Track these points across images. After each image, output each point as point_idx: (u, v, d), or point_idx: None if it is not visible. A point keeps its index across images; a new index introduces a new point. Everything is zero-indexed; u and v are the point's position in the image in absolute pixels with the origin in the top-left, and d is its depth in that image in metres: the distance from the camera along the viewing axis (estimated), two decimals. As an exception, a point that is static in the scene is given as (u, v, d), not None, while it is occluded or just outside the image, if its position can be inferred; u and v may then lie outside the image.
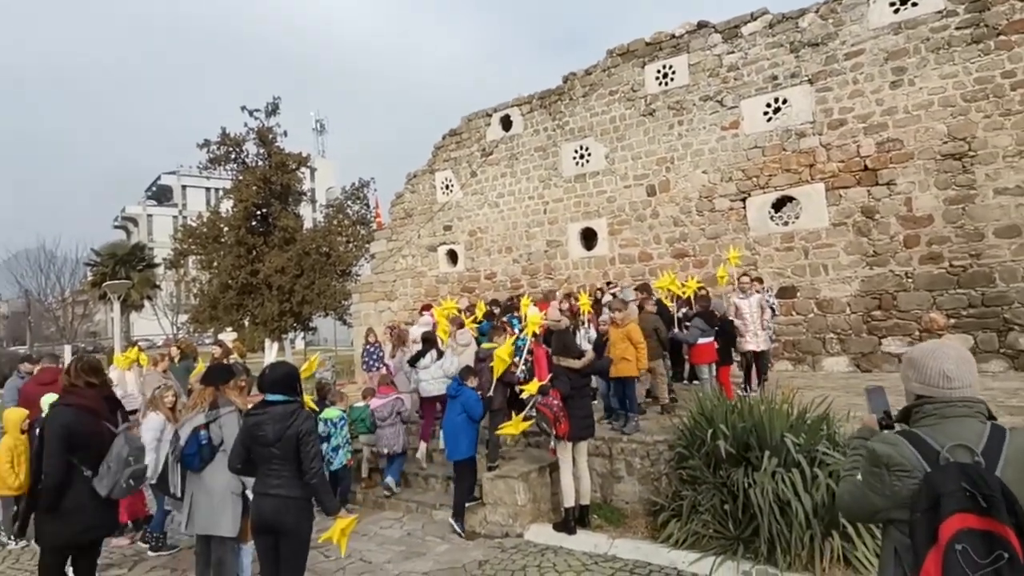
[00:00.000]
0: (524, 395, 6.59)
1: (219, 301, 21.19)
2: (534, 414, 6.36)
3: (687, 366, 8.98)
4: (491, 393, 6.65)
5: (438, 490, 7.12)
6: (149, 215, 65.27)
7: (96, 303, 36.98)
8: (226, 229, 21.59)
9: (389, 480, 7.12)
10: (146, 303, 31.24)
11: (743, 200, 11.72)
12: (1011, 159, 9.26)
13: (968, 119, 9.60)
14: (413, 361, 7.62)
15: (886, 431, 2.14)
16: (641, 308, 7.53)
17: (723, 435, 5.21)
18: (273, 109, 21.11)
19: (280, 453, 3.76)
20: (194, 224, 22.63)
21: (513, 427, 6.37)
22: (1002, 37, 9.20)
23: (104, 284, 22.65)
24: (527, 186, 14.68)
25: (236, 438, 4.03)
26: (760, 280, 9.58)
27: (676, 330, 7.69)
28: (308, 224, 24.41)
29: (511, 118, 15.02)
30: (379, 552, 5.73)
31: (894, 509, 1.96)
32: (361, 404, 7.43)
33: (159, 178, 68.06)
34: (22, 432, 5.97)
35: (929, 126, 9.93)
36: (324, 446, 6.47)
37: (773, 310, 8.98)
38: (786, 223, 11.41)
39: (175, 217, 61.79)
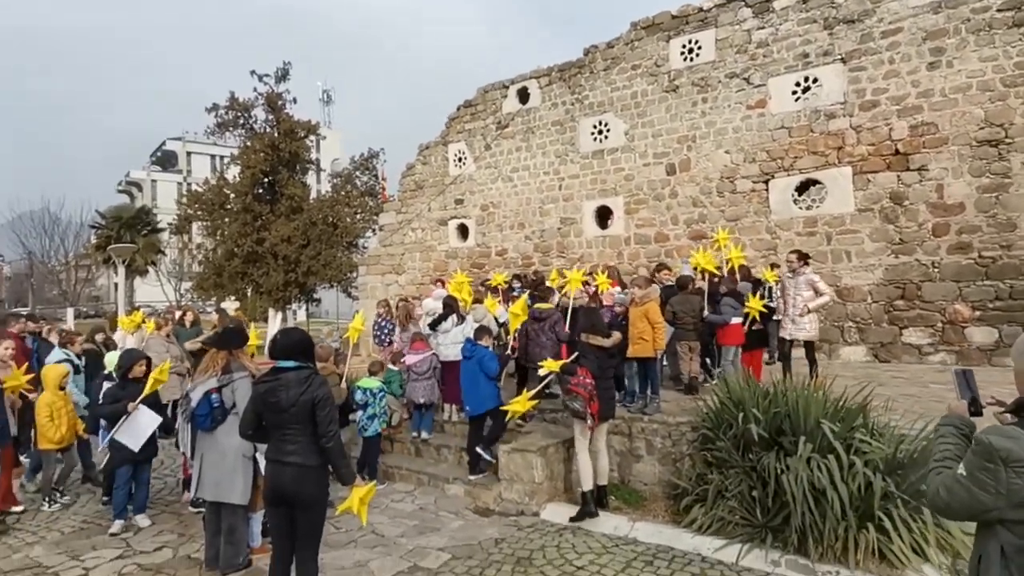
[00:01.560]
0: (542, 371, 6.38)
1: (224, 269, 20.98)
2: (557, 392, 6.17)
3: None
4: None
5: (451, 462, 6.95)
6: (153, 180, 64.78)
7: (100, 267, 36.80)
8: (232, 196, 21.30)
9: (424, 434, 7.31)
10: (150, 269, 31.01)
11: (766, 182, 11.40)
12: (1051, 147, 8.93)
13: (1007, 104, 9.25)
14: (434, 325, 7.44)
15: (1008, 426, 1.91)
16: (684, 287, 7.27)
17: (755, 419, 4.99)
18: (283, 75, 20.68)
19: (295, 419, 3.59)
20: (200, 190, 22.32)
21: (520, 404, 6.15)
22: (1049, 19, 8.82)
23: (109, 248, 22.38)
24: (543, 161, 14.34)
25: (247, 404, 3.85)
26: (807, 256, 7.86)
27: (707, 312, 7.38)
28: (314, 194, 24.08)
29: (529, 90, 14.63)
30: (391, 526, 5.57)
31: (1008, 509, 1.80)
32: (395, 368, 7.53)
33: (164, 143, 67.44)
34: (60, 388, 6.13)
35: (966, 110, 9.58)
36: (359, 414, 6.60)
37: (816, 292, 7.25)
38: (809, 207, 11.11)
39: (179, 183, 61.46)
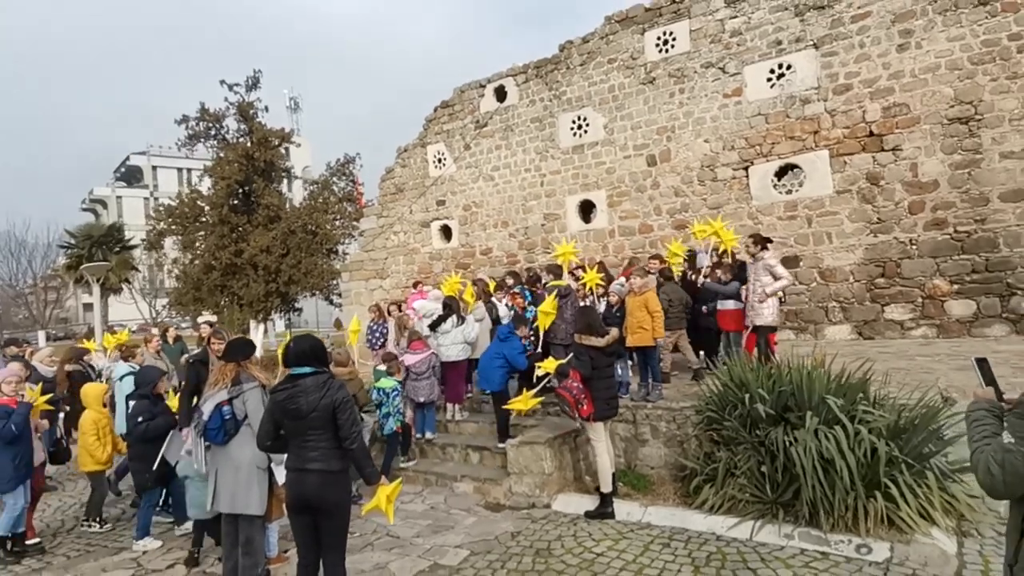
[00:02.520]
0: (539, 372, 6.44)
1: (203, 283, 20.64)
2: (552, 390, 6.22)
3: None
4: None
5: (456, 460, 6.97)
6: (119, 197, 63.33)
7: (69, 287, 35.89)
8: (207, 208, 20.97)
9: (428, 434, 7.31)
10: (124, 287, 30.36)
11: (745, 169, 11.60)
12: (1017, 122, 9.24)
13: (975, 82, 9.55)
14: (434, 326, 7.44)
15: None
16: (669, 278, 7.36)
17: (760, 398, 5.09)
18: (254, 83, 20.39)
19: (315, 424, 3.59)
20: (173, 203, 21.93)
21: (522, 403, 6.20)
22: (1011, -2, 9.12)
23: (82, 267, 21.88)
24: (523, 158, 14.39)
25: (264, 415, 3.83)
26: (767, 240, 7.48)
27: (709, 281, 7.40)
28: (290, 203, 23.81)
29: (506, 88, 14.66)
30: (405, 527, 5.56)
31: None
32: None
33: (128, 158, 65.99)
34: (104, 406, 6.16)
35: (936, 90, 9.86)
36: (377, 412, 6.70)
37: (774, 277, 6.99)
38: (789, 191, 11.33)
39: (146, 199, 60.24)
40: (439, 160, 15.89)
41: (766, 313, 6.80)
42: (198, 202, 21.18)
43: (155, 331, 11.09)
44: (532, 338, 7.45)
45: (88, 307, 47.94)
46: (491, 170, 14.93)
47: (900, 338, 10.15)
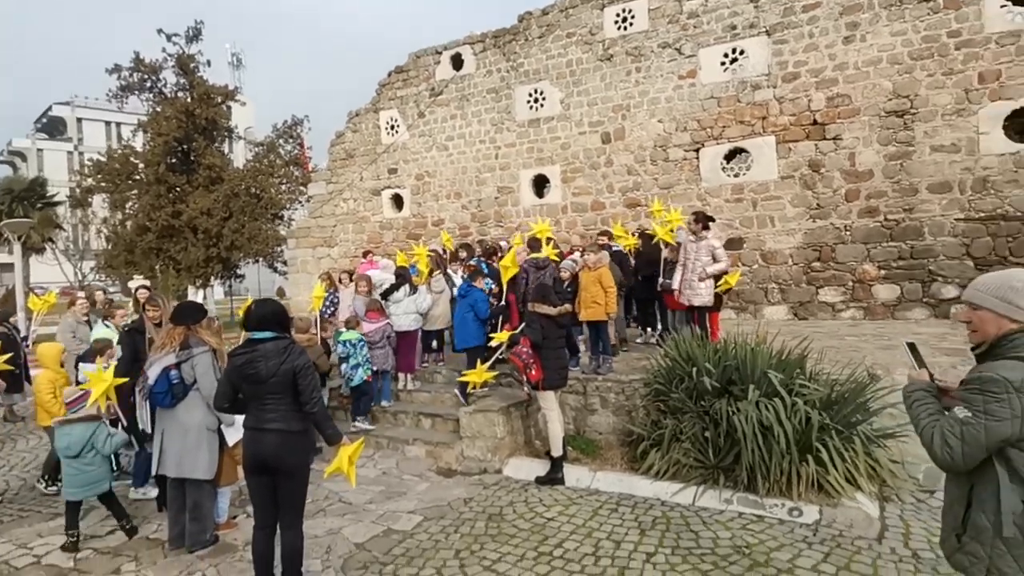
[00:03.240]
0: (493, 343, 6.53)
1: (136, 245, 19.71)
2: (504, 360, 6.31)
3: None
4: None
5: (408, 425, 7.00)
6: (39, 150, 59.09)
7: (-14, 245, 33.44)
8: (142, 165, 19.91)
9: (385, 403, 7.35)
10: (46, 246, 28.55)
11: (696, 151, 11.88)
12: (949, 117, 9.80)
13: (912, 77, 10.04)
14: (386, 295, 7.39)
15: (1000, 361, 2.08)
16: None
17: (707, 371, 5.32)
18: (195, 35, 19.37)
19: (275, 389, 3.56)
20: (102, 158, 20.70)
21: (477, 375, 6.27)
22: (951, -3, 9.59)
23: (1, 223, 20.44)
24: (478, 129, 14.26)
25: (222, 378, 3.75)
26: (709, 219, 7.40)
27: (662, 278, 7.61)
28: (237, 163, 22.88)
29: (462, 57, 14.42)
30: (358, 493, 5.55)
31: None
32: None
33: (50, 109, 61.49)
34: (60, 365, 6.15)
35: (876, 83, 10.31)
36: (343, 366, 6.81)
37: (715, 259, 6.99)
38: (737, 175, 11.69)
39: (70, 153, 56.61)
40: (392, 127, 15.55)
41: (703, 293, 6.90)
42: (131, 159, 20.08)
43: (81, 295, 10.52)
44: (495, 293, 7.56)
45: (4, 267, 44.95)
46: (445, 140, 14.73)
47: (831, 319, 10.73)
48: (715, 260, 6.91)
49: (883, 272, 10.46)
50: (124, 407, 4.80)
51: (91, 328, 7.95)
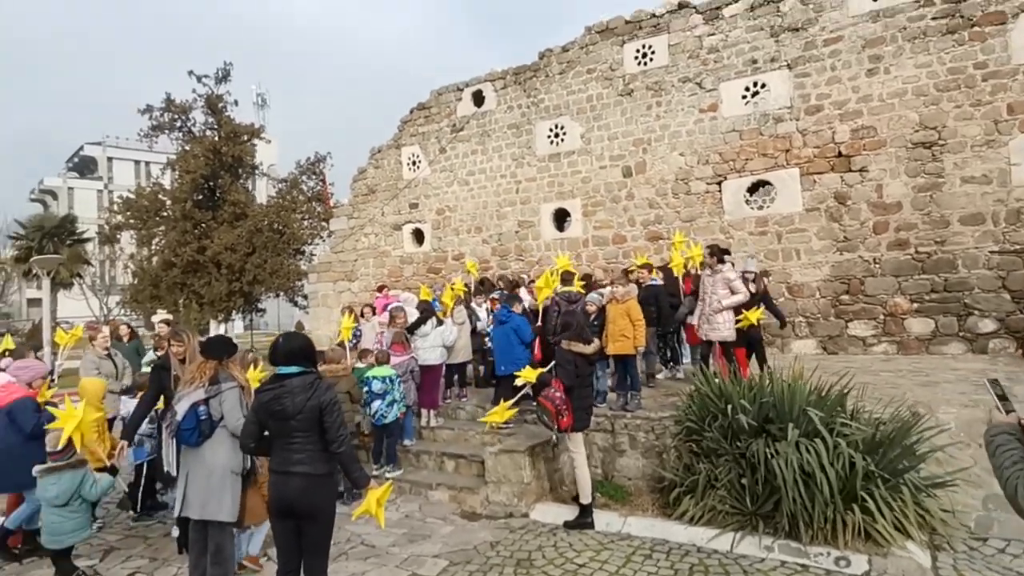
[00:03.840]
0: (519, 381, 6.31)
1: (161, 279, 19.99)
2: (532, 405, 6.14)
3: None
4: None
5: (431, 468, 6.82)
6: (70, 188, 60.77)
7: (16, 280, 34.24)
8: (169, 202, 20.34)
9: (407, 441, 7.13)
10: (75, 281, 29.10)
11: (719, 183, 11.79)
12: (979, 148, 9.63)
13: (939, 108, 9.92)
14: (412, 329, 7.31)
15: None
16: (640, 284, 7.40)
17: (743, 408, 5.13)
18: (224, 76, 19.95)
19: (301, 426, 3.46)
20: (133, 196, 21.19)
21: (498, 415, 6.09)
22: (976, 28, 9.51)
23: (32, 259, 20.91)
24: (499, 164, 14.35)
25: (248, 415, 3.67)
26: (725, 252, 7.39)
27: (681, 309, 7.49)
28: (259, 200, 23.30)
29: (483, 93, 14.62)
30: (380, 536, 5.41)
31: None
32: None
33: (82, 148, 63.49)
34: (101, 401, 5.87)
35: (902, 114, 10.20)
36: (378, 402, 6.52)
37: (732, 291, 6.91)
38: (760, 207, 11.55)
39: (100, 191, 58.16)
40: (413, 163, 15.73)
41: (722, 327, 6.76)
42: (160, 196, 20.53)
43: (105, 329, 10.57)
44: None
45: (33, 302, 45.82)
46: (466, 175, 14.84)
47: (862, 354, 10.42)
48: (732, 292, 6.77)
49: (915, 305, 10.18)
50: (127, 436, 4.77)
51: (114, 362, 7.94)
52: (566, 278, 7.53)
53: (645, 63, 12.50)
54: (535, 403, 5.66)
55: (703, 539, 4.97)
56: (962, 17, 9.62)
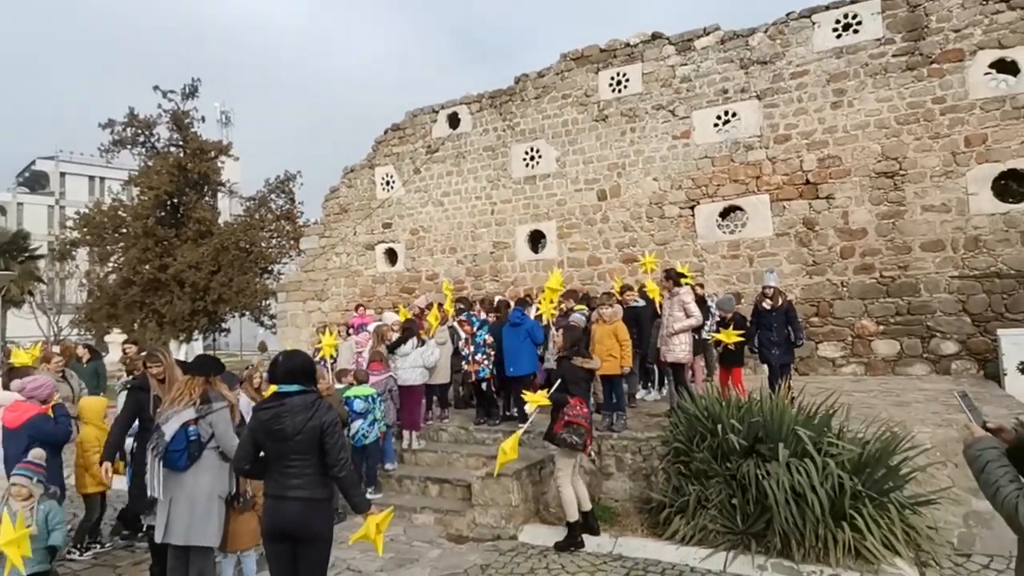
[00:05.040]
0: (529, 408, 6.08)
1: (119, 298, 19.28)
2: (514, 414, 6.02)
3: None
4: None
5: (414, 492, 6.66)
6: (20, 203, 58.50)
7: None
8: (130, 219, 19.72)
9: (388, 465, 6.96)
10: (26, 299, 27.86)
11: (692, 208, 12.07)
12: (938, 179, 10.10)
13: (900, 140, 10.39)
14: (392, 348, 7.18)
15: None
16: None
17: (734, 429, 5.18)
18: (192, 91, 19.60)
19: (300, 448, 3.33)
20: (91, 211, 20.49)
21: (512, 453, 5.75)
22: (934, 65, 10.05)
23: (-21, 275, 19.99)
24: (474, 186, 14.40)
25: (244, 435, 3.53)
26: (679, 275, 7.24)
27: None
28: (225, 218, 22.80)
29: (459, 116, 14.71)
30: (366, 560, 5.24)
31: None
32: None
33: (33, 163, 61.27)
34: (103, 419, 5.75)
35: (865, 145, 10.66)
36: (360, 422, 6.34)
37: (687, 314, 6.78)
38: (732, 232, 11.85)
39: (51, 206, 56.17)
40: (387, 182, 15.65)
41: (677, 349, 6.77)
42: (120, 212, 19.90)
43: (56, 350, 10.04)
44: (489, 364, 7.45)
45: (-24, 321, 43.54)
46: (441, 195, 14.84)
47: (832, 374, 10.70)
48: (687, 315, 6.77)
49: (882, 328, 10.53)
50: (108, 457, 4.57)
51: (70, 384, 7.53)
52: (571, 295, 7.69)
53: (619, 90, 12.79)
54: (566, 425, 5.41)
55: (695, 559, 4.96)
56: (921, 55, 10.16)
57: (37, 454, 4.40)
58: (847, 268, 10.82)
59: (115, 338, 19.36)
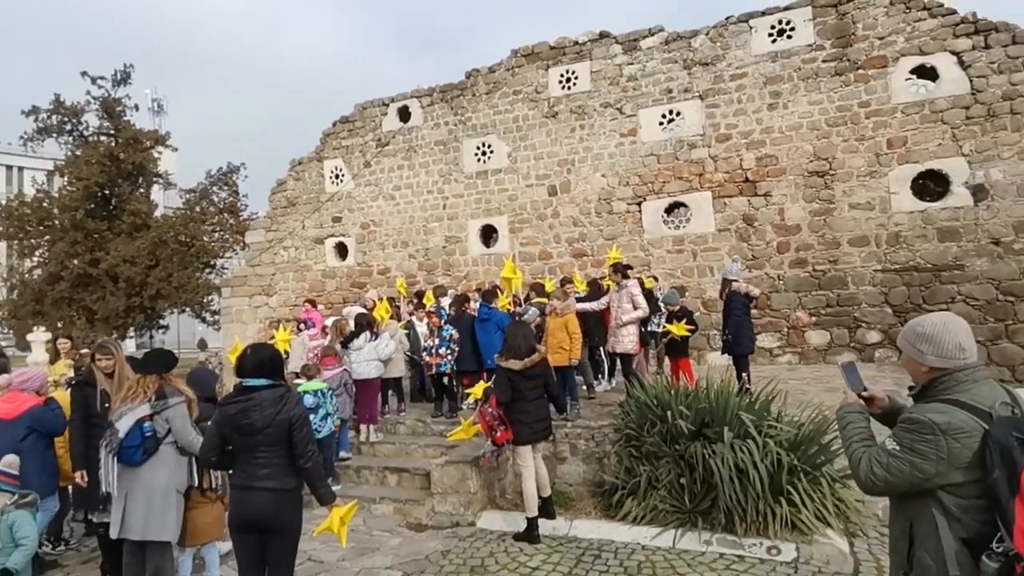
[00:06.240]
0: (471, 400, 6.32)
1: (46, 294, 18.28)
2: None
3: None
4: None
5: (372, 482, 6.72)
6: (-74, 193, 54.42)
7: None
8: (57, 211, 18.71)
9: (343, 453, 7.00)
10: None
11: (639, 204, 12.46)
12: (863, 178, 10.79)
13: (830, 141, 11.04)
14: (346, 342, 7.18)
15: (931, 403, 2.14)
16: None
17: (682, 415, 5.48)
18: (123, 78, 18.71)
19: (268, 440, 3.39)
20: (13, 203, 19.32)
21: (464, 432, 6.07)
22: (860, 71, 10.72)
23: None
24: (426, 180, 14.39)
25: (210, 428, 3.55)
26: (627, 268, 7.84)
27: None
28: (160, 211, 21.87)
29: (410, 109, 14.65)
30: (327, 551, 5.28)
31: (949, 473, 2.02)
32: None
33: (-55, 151, 57.04)
34: None
35: (799, 146, 11.27)
36: (311, 417, 6.18)
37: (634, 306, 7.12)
38: (677, 227, 12.30)
39: (-40, 196, 52.54)
40: (336, 176, 15.44)
41: (625, 340, 7.04)
42: (45, 204, 18.85)
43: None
44: (450, 358, 7.50)
45: None
46: (392, 189, 14.76)
47: (769, 364, 11.28)
48: (634, 307, 7.08)
49: (814, 319, 11.18)
50: (81, 464, 4.43)
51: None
52: (536, 288, 7.84)
53: (569, 87, 13.05)
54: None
55: (647, 537, 5.23)
56: (848, 60, 10.81)
57: (9, 461, 4.29)
58: (783, 262, 11.42)
59: (38, 336, 18.28)
